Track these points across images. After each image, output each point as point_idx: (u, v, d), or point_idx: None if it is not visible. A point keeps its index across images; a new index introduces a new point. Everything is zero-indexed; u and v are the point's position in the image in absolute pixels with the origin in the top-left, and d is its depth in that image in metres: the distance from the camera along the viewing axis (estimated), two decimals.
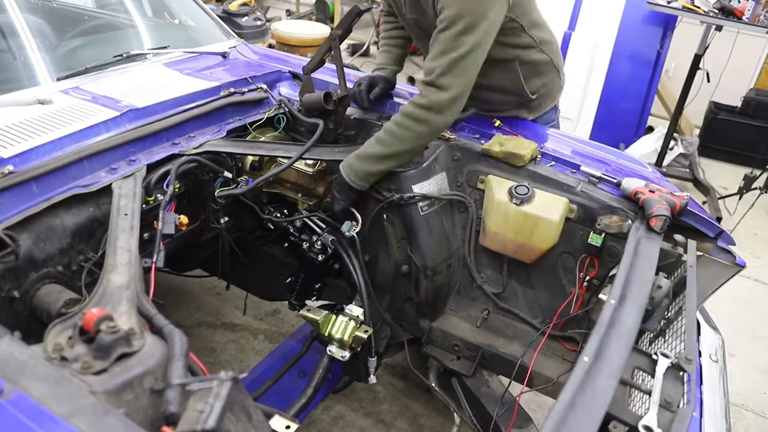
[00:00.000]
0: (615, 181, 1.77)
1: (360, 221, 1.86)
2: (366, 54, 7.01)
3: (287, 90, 2.22)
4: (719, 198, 4.21)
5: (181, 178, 1.71)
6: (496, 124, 2.03)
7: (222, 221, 1.93)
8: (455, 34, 1.66)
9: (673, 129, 4.23)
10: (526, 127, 2.10)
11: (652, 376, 1.17)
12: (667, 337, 1.40)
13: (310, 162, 2.01)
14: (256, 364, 2.52)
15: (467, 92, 1.74)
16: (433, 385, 2.04)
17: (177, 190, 1.70)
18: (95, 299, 1.14)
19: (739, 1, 3.86)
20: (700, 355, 1.52)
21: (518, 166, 1.85)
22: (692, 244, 1.61)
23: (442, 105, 1.72)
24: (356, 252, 1.90)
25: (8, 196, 1.37)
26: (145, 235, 1.61)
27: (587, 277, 1.80)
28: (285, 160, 1.94)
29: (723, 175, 4.82)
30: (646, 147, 4.51)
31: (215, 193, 1.85)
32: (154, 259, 1.41)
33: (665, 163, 4.39)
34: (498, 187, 1.84)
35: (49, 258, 1.41)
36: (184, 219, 1.68)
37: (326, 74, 2.21)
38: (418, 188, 1.82)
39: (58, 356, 0.95)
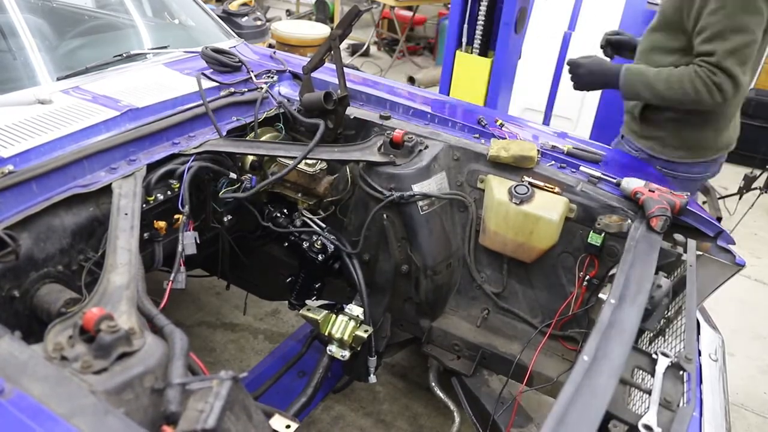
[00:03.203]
0: (615, 180, 1.77)
1: None
2: (366, 54, 7.02)
3: (287, 90, 2.22)
4: (719, 198, 4.21)
5: (181, 178, 1.71)
6: (498, 123, 2.03)
7: (225, 219, 1.93)
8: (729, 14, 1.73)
9: None
10: (523, 126, 2.10)
11: (652, 376, 1.17)
12: (666, 337, 1.40)
13: (310, 162, 2.01)
14: (256, 364, 2.52)
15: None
16: (433, 384, 2.04)
17: (177, 189, 1.70)
18: (95, 299, 1.14)
19: None
20: (699, 354, 1.52)
21: (529, 168, 1.85)
22: (692, 243, 1.61)
23: (729, 90, 1.81)
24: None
25: (8, 196, 1.37)
26: (145, 234, 1.61)
27: (587, 277, 1.81)
28: (286, 161, 1.95)
29: (723, 175, 4.77)
30: None
31: (219, 194, 1.85)
32: (171, 278, 1.46)
33: None
34: (498, 186, 1.84)
35: (49, 257, 1.41)
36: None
37: (326, 74, 2.21)
38: (418, 187, 1.82)
39: (59, 356, 0.95)
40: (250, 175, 1.94)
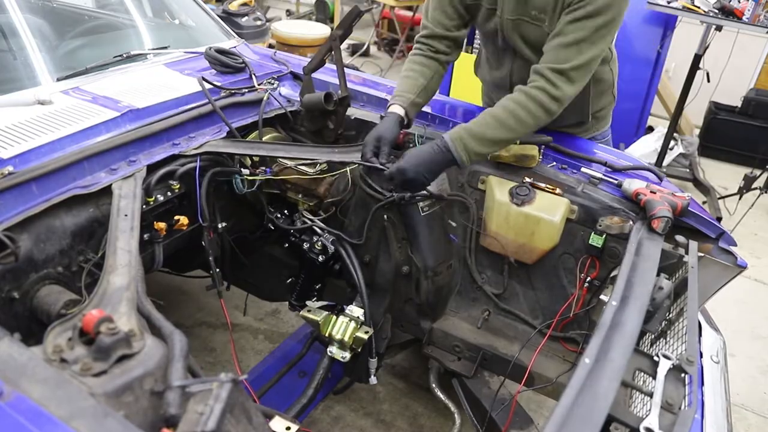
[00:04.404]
0: (616, 182, 1.77)
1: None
2: (366, 54, 7.01)
3: (288, 90, 2.21)
4: (719, 198, 4.21)
5: (182, 179, 1.71)
6: None
7: (219, 226, 1.92)
8: (597, 26, 1.57)
9: (673, 129, 4.23)
10: None
11: (654, 378, 1.17)
12: (668, 339, 1.40)
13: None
14: (256, 364, 2.52)
15: None
16: (434, 385, 2.04)
17: (177, 190, 1.70)
18: (95, 300, 1.14)
19: (739, 1, 3.85)
20: (701, 356, 1.51)
21: (531, 167, 1.84)
22: (693, 245, 1.61)
23: (568, 98, 1.65)
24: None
25: (8, 197, 1.37)
26: (145, 235, 1.61)
27: (588, 278, 1.80)
28: (287, 161, 1.94)
29: (723, 175, 4.81)
30: (646, 147, 4.51)
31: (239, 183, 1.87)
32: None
33: (665, 163, 4.39)
34: (499, 187, 1.84)
35: (49, 259, 1.40)
36: (184, 220, 1.68)
37: (327, 74, 2.21)
38: None
39: (58, 358, 0.94)
40: (263, 168, 1.92)
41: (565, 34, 1.61)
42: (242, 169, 1.86)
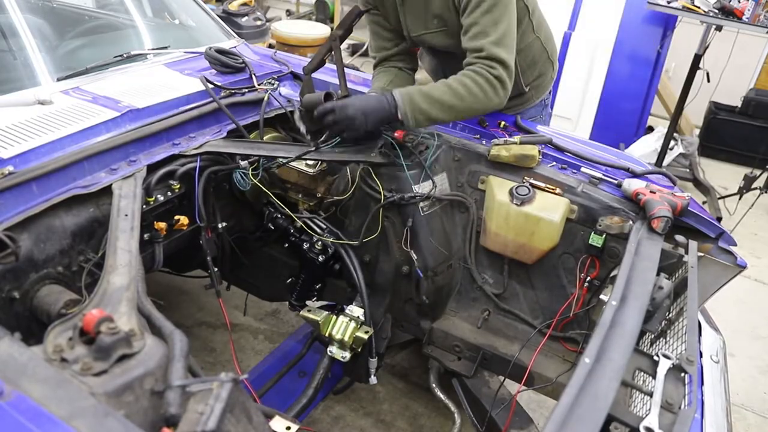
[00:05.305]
0: (616, 181, 1.77)
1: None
2: (366, 54, 7.01)
3: (288, 90, 2.21)
4: (719, 198, 4.21)
5: (182, 179, 1.71)
6: (501, 125, 2.01)
7: (219, 226, 1.92)
8: (489, 8, 1.70)
9: (673, 129, 4.23)
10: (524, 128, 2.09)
11: (654, 378, 1.17)
12: (668, 338, 1.40)
13: (310, 162, 2.01)
14: (256, 364, 2.52)
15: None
16: (434, 385, 2.04)
17: (177, 190, 1.70)
18: (95, 300, 1.14)
19: (739, 1, 3.85)
20: (701, 355, 1.51)
21: (531, 168, 1.84)
22: (693, 244, 1.61)
23: (507, 76, 1.75)
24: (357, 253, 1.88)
25: (8, 197, 1.37)
26: (146, 235, 1.61)
27: (588, 278, 1.80)
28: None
29: (723, 175, 4.82)
30: (646, 147, 4.51)
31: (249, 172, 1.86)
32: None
33: (665, 163, 4.39)
34: (499, 187, 1.84)
35: (49, 259, 1.40)
36: (184, 220, 1.68)
37: (327, 74, 2.21)
38: (419, 188, 1.82)
39: (58, 357, 0.94)
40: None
41: (469, 27, 1.76)
42: (241, 162, 1.85)
